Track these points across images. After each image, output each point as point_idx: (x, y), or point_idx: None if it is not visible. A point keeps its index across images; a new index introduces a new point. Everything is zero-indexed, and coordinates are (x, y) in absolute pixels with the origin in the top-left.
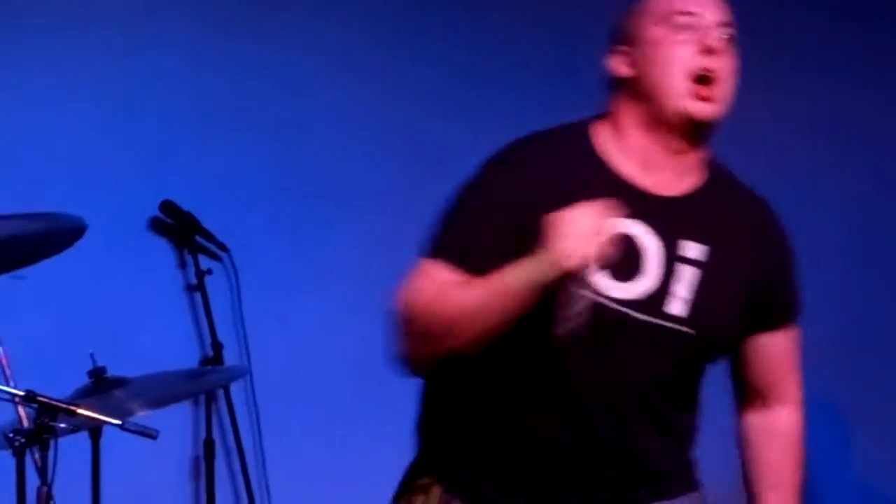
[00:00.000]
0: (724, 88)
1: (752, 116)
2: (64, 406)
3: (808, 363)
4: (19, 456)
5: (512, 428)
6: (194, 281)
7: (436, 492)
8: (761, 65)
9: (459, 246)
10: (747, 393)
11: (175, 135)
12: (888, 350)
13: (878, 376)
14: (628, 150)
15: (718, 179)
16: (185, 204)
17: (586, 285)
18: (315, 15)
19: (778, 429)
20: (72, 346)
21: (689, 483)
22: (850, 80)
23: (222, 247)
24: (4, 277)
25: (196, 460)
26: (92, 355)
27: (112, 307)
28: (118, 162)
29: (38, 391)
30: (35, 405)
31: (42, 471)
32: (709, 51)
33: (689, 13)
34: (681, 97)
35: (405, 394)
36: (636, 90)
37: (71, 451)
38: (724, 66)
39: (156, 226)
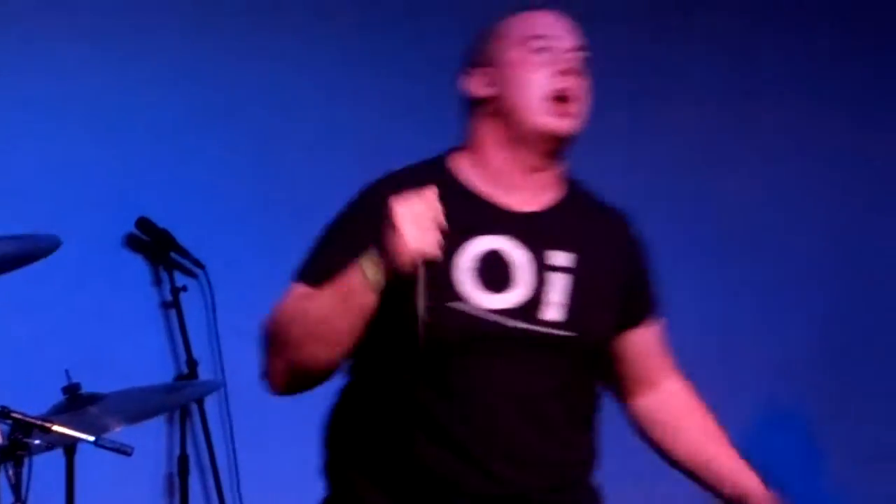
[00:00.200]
0: (580, 106)
1: (726, 128)
2: (38, 423)
3: (786, 374)
4: None
5: (401, 448)
6: (170, 298)
7: None
8: (740, 77)
9: (318, 269)
10: (631, 385)
11: (151, 152)
12: (867, 363)
13: (852, 388)
14: (488, 172)
15: (575, 193)
16: (161, 221)
17: (423, 279)
18: (292, 32)
19: (679, 396)
20: (47, 363)
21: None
22: (826, 92)
23: (198, 264)
24: None
25: (170, 477)
26: (67, 372)
27: (87, 324)
28: (94, 179)
29: (13, 407)
30: (9, 422)
31: (16, 488)
32: (564, 72)
33: (544, 37)
34: (540, 114)
35: None
36: (496, 108)
37: (45, 468)
38: (578, 86)
39: (131, 243)
